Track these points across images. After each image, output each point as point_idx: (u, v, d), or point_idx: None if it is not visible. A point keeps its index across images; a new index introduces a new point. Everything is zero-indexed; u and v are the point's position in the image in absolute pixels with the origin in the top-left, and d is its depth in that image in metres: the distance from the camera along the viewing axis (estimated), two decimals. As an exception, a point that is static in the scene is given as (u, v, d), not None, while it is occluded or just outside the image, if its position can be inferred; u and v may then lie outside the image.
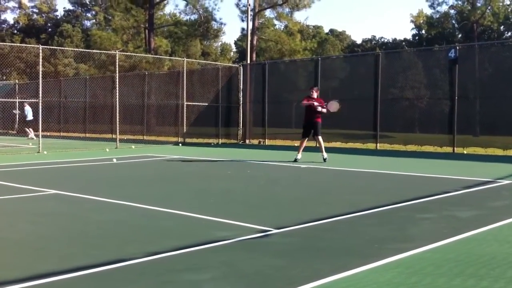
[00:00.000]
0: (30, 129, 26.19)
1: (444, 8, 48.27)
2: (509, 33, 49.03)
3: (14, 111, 28.81)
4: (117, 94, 21.07)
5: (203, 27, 39.97)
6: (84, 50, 33.27)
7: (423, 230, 5.84)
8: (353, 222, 6.31)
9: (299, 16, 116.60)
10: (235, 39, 73.03)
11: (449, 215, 6.71)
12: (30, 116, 26.60)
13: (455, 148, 17.97)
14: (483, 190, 8.99)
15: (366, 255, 4.71)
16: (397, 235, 5.59)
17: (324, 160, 13.77)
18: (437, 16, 48.89)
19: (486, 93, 18.15)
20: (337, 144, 20.82)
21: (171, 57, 38.07)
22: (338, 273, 4.14)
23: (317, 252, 4.87)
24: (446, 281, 3.99)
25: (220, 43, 67.79)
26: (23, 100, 28.93)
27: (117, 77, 21.09)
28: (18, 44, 44.61)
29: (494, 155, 16.60)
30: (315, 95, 14.32)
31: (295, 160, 13.87)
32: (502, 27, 49.02)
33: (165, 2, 43.26)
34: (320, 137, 14.18)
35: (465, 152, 17.62)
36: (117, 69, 21.06)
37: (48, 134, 25.25)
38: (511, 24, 48.37)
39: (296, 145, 21.67)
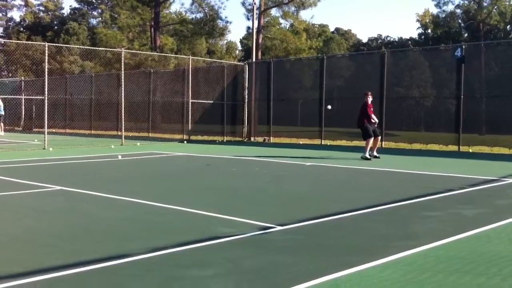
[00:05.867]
0: (1, 124, 25.93)
1: (450, 7, 48.22)
2: (516, 32, 48.79)
3: None
4: (123, 91, 21.11)
5: (209, 25, 39.97)
6: (90, 47, 33.28)
7: (428, 228, 5.83)
8: (357, 220, 6.31)
9: (305, 14, 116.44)
10: (241, 38, 73.03)
11: (454, 213, 6.69)
12: (2, 111, 26.34)
13: (460, 146, 17.93)
14: (488, 188, 8.97)
15: (370, 253, 4.71)
16: (402, 232, 5.58)
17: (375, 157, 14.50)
18: (443, 15, 48.70)
19: (492, 92, 18.10)
20: (343, 143, 20.83)
21: (176, 55, 38.10)
22: (341, 270, 4.14)
23: (321, 249, 4.87)
24: (456, 278, 3.98)
25: (225, 41, 67.84)
26: (28, 97, 29.02)
27: (123, 75, 21.13)
28: (24, 42, 44.74)
29: (500, 154, 16.55)
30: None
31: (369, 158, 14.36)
32: (508, 27, 48.74)
33: (171, 0, 43.35)
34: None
35: (470, 150, 17.57)
36: (122, 66, 21.11)
37: (54, 131, 25.31)
38: (517, 23, 48.12)
39: (301, 142, 21.75)
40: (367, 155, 14.20)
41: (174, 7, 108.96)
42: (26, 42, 44.82)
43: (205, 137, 24.29)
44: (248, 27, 46.20)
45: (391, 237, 5.36)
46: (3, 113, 26.17)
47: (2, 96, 26.52)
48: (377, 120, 14.96)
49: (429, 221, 6.16)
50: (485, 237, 5.34)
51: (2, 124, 25.85)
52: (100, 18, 65.73)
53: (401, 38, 63.01)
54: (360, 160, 13.89)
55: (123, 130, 20.90)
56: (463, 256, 4.62)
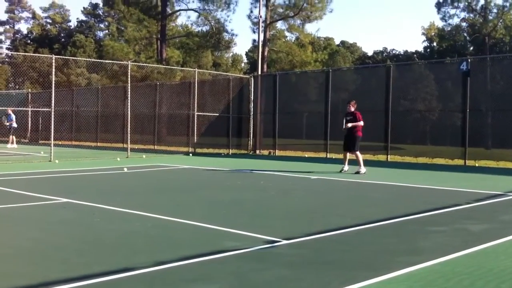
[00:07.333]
0: (13, 136, 26.02)
1: (455, 20, 48.04)
2: (521, 46, 48.73)
3: (2, 117, 26.99)
4: (129, 104, 21.20)
5: (215, 38, 40.12)
6: (97, 60, 33.48)
7: (434, 243, 5.80)
8: (363, 234, 6.28)
9: (310, 28, 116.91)
10: (246, 50, 73.39)
11: (460, 228, 6.66)
12: (15, 124, 26.38)
13: (466, 161, 17.86)
14: (494, 203, 8.93)
15: (375, 268, 4.69)
16: (408, 247, 5.56)
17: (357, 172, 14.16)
18: (449, 28, 48.72)
19: (498, 105, 18.06)
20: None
21: (182, 68, 38.27)
22: (347, 286, 4.12)
23: (326, 264, 4.85)
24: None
25: (231, 54, 68.05)
26: (35, 109, 29.12)
27: (129, 87, 21.22)
28: (31, 54, 45.04)
29: (506, 168, 16.48)
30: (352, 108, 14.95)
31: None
32: (514, 40, 48.73)
33: (178, 13, 43.53)
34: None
35: (476, 165, 17.51)
36: (129, 79, 21.21)
37: (60, 143, 25.40)
38: (523, 37, 48.08)
39: (306, 156, 21.73)
40: (361, 170, 14.12)
41: (181, 20, 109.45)
42: (33, 54, 45.14)
43: (211, 150, 24.32)
44: (254, 40, 46.42)
45: (397, 252, 5.33)
46: (15, 125, 26.29)
47: (11, 108, 26.67)
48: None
49: (435, 236, 6.14)
50: (493, 253, 5.31)
51: (13, 136, 25.95)
52: (107, 31, 66.21)
53: (406, 51, 63.15)
54: (365, 174, 13.85)
55: (129, 143, 20.95)
56: (471, 272, 4.59)
